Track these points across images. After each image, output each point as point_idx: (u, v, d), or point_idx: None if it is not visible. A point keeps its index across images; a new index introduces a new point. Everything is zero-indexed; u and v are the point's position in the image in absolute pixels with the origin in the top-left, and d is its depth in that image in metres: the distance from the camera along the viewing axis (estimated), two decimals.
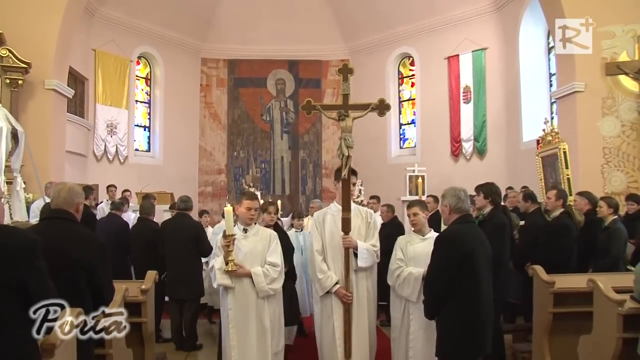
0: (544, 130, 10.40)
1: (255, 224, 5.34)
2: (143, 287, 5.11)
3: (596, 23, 10.02)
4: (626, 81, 10.25)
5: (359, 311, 5.20)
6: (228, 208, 4.93)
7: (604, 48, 10.29)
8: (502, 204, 8.48)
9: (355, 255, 5.18)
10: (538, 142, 11.24)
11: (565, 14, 10.30)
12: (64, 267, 3.37)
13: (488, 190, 5.97)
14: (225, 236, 4.88)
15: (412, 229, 5.50)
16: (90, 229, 7.77)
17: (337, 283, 5.16)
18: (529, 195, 7.36)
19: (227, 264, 4.88)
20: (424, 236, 5.38)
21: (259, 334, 4.98)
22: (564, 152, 9.52)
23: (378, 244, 5.35)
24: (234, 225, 5.12)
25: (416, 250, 5.28)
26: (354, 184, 5.41)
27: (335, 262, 5.24)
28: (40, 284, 2.75)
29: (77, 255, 3.50)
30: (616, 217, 6.70)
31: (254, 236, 5.19)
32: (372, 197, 10.17)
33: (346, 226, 5.09)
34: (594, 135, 10.35)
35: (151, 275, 5.44)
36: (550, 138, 10.16)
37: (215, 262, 5.07)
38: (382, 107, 5.26)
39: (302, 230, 8.50)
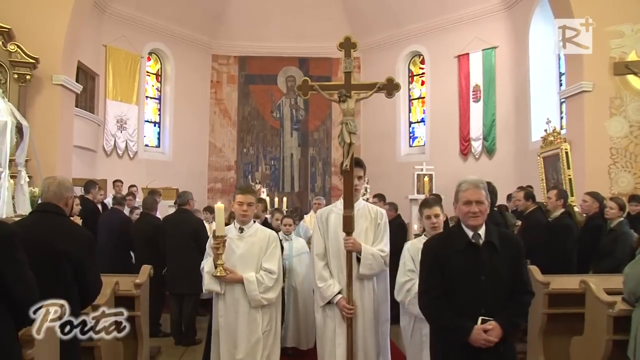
0: (545, 130, 10.30)
1: (254, 222, 4.88)
2: (137, 281, 5.14)
3: (605, 22, 9.99)
4: (635, 81, 10.16)
5: (364, 326, 4.56)
6: (219, 205, 4.50)
7: (612, 47, 10.20)
8: (505, 204, 8.47)
9: (359, 260, 4.51)
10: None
11: (574, 13, 10.22)
12: (51, 260, 3.43)
13: (528, 193, 5.94)
14: (215, 237, 4.43)
15: (427, 232, 4.68)
16: (92, 222, 7.93)
17: (340, 292, 4.53)
18: (529, 194, 7.33)
19: (216, 267, 4.46)
20: None
21: (248, 347, 4.56)
22: (566, 153, 9.44)
23: (387, 249, 4.63)
24: (232, 223, 4.81)
25: None
26: (360, 177, 4.70)
27: (340, 269, 4.58)
28: (18, 275, 2.84)
29: (64, 248, 3.56)
30: (622, 219, 6.65)
31: (251, 237, 4.72)
32: (375, 196, 9.68)
33: (348, 225, 4.43)
34: (601, 136, 10.25)
35: (146, 269, 5.48)
36: (552, 138, 10.08)
37: (205, 264, 4.69)
38: (390, 87, 4.67)
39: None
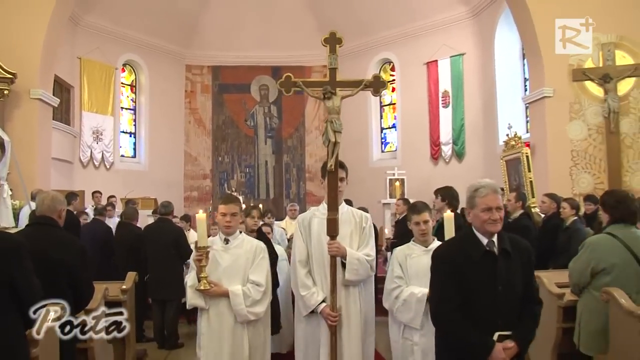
0: (507, 135, 10.77)
1: (241, 233, 4.64)
2: (123, 287, 5.43)
3: None
4: (592, 87, 10.66)
5: (349, 335, 4.31)
6: (200, 215, 4.29)
7: (570, 55, 10.67)
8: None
9: (344, 265, 4.29)
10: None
11: (535, 23, 10.73)
12: (47, 268, 3.71)
13: (445, 193, 6.28)
14: (197, 248, 4.21)
15: (416, 238, 4.57)
16: (74, 233, 8.18)
17: (324, 301, 4.28)
18: None
19: (199, 281, 4.21)
20: (427, 247, 4.46)
21: None
22: (527, 157, 9.92)
23: (373, 254, 4.44)
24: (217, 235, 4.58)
25: (420, 265, 4.36)
26: (342, 179, 4.44)
27: (324, 276, 4.33)
28: (26, 280, 3.17)
29: (58, 257, 3.87)
30: (576, 218, 7.08)
31: (237, 248, 4.46)
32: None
33: (332, 229, 4.19)
34: (562, 139, 10.74)
35: (131, 275, 5.77)
36: (513, 143, 10.56)
37: (189, 278, 4.43)
38: (377, 84, 4.46)
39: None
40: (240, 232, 4.65)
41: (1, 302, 3.07)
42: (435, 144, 16.39)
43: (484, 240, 3.22)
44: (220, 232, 4.56)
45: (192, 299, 4.34)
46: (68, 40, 14.26)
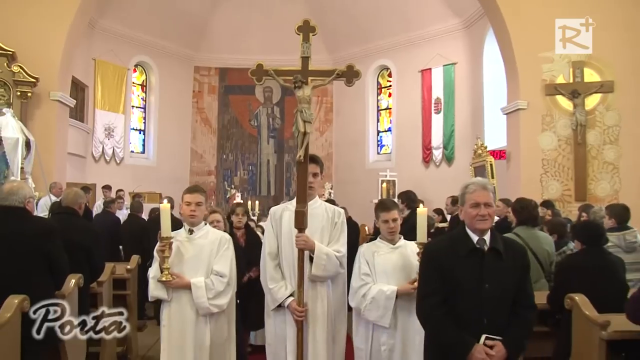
0: (476, 144, 11.60)
1: (206, 224, 4.56)
2: (128, 267, 6.48)
3: (538, 48, 11.38)
4: (562, 101, 11.47)
5: (314, 332, 4.15)
6: (164, 205, 4.23)
7: (544, 71, 11.53)
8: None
9: (312, 259, 4.12)
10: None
11: (512, 41, 11.60)
12: (70, 247, 4.72)
13: (404, 196, 7.26)
14: (161, 238, 4.14)
15: (383, 236, 4.46)
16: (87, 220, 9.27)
17: (292, 295, 4.15)
18: (455, 200, 8.67)
19: (162, 272, 4.12)
20: (394, 244, 4.39)
21: (196, 358, 4.22)
22: (491, 165, 10.76)
23: (344, 250, 4.24)
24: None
25: (386, 262, 4.31)
26: (315, 175, 4.33)
27: (293, 270, 4.19)
28: (58, 253, 4.29)
29: (78, 240, 4.94)
30: None
31: (201, 239, 4.38)
32: (327, 200, 10.05)
33: (300, 221, 4.04)
34: (534, 148, 11.50)
35: (135, 258, 6.82)
36: (480, 151, 11.39)
37: (151, 269, 4.34)
38: (350, 74, 4.36)
39: None
40: (205, 223, 4.59)
41: (40, 269, 4.15)
42: (427, 147, 17.20)
43: (475, 238, 3.20)
44: (184, 222, 4.48)
45: (153, 290, 4.26)
46: (84, 43, 15.04)
